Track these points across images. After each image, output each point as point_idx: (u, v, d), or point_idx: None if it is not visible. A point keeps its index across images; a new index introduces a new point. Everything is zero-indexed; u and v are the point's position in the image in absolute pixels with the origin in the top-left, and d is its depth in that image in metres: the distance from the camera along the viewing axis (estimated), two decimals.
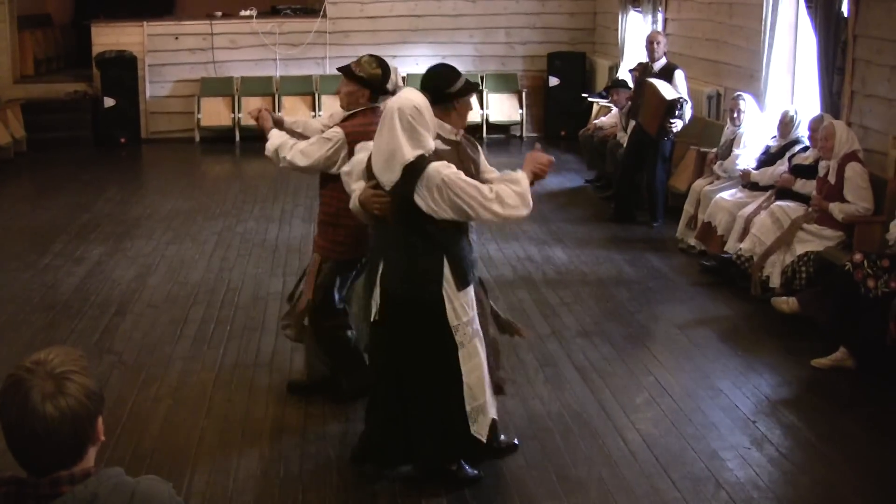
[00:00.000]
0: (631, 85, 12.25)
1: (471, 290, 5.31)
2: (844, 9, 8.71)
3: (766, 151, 9.51)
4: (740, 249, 8.74)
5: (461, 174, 5.03)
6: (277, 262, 9.83)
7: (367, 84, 6.05)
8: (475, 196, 4.99)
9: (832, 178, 8.13)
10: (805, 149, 8.93)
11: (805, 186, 8.59)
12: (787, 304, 7.84)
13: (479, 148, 5.79)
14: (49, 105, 16.14)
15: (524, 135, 16.88)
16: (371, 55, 6.17)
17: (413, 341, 5.23)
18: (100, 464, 2.40)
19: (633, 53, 14.05)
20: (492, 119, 16.71)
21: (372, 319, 5.36)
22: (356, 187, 5.32)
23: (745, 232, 8.88)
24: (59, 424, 2.26)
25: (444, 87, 5.39)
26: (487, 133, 16.71)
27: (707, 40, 12.15)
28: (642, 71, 11.50)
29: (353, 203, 5.31)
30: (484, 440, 5.36)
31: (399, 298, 5.19)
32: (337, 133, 5.95)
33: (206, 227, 11.15)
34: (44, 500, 2.30)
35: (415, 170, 4.98)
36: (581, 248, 10.15)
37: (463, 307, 5.22)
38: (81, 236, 10.75)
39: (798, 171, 8.77)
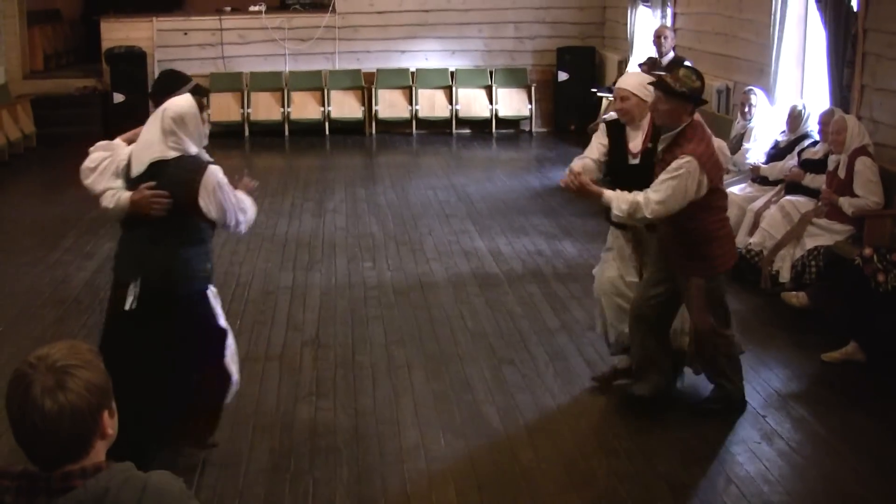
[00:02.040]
0: None
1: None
2: (854, 2, 8.68)
3: (776, 146, 9.49)
4: (750, 244, 8.72)
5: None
6: (287, 256, 9.84)
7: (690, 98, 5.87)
8: (239, 204, 5.48)
9: (842, 173, 8.12)
10: (814, 143, 8.91)
11: (815, 181, 8.57)
12: (797, 298, 7.83)
13: None
14: (58, 100, 16.17)
15: (533, 129, 16.87)
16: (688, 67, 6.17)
17: (181, 333, 5.35)
18: (109, 458, 2.41)
19: (643, 48, 14.03)
20: (501, 114, 16.69)
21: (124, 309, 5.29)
22: (114, 185, 5.36)
23: (754, 226, 8.86)
24: (59, 418, 2.27)
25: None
26: (496, 128, 16.70)
27: (716, 34, 12.13)
28: (650, 66, 11.48)
29: (120, 203, 5.29)
30: None
31: (166, 292, 5.28)
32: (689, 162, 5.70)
33: None
34: (55, 494, 2.30)
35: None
36: (591, 242, 10.14)
37: (216, 296, 5.56)
38: (91, 231, 10.77)
39: (807, 165, 8.75)
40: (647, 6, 14.10)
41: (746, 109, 9.85)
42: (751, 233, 8.87)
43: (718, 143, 6.06)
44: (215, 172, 5.32)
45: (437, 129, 16.75)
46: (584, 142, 14.50)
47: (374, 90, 16.63)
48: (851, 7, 8.71)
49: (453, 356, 7.27)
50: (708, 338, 6.10)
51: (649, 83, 6.07)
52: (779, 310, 7.99)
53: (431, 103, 16.73)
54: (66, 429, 2.28)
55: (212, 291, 5.52)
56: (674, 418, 6.23)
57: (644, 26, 14.26)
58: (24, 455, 2.35)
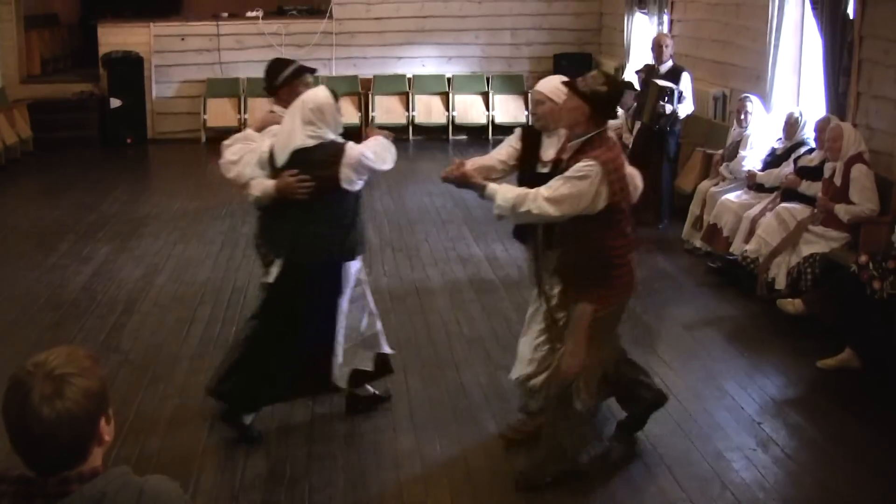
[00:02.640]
0: (637, 86, 12.24)
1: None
2: (850, 9, 8.70)
3: (772, 153, 9.50)
4: (746, 250, 8.74)
5: (366, 146, 5.87)
6: None
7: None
8: (377, 164, 5.89)
9: (838, 180, 8.13)
10: (811, 150, 8.92)
11: (811, 188, 8.59)
12: (792, 305, 7.84)
13: None
14: (56, 105, 16.17)
15: None
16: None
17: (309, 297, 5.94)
18: (107, 463, 2.41)
19: (639, 54, 14.05)
20: (497, 120, 16.68)
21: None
22: (257, 174, 5.91)
23: (750, 233, 8.88)
24: (57, 427, 2.27)
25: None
26: (493, 134, 16.69)
27: (713, 41, 12.15)
28: (648, 73, 11.50)
29: (267, 190, 5.83)
30: None
31: (311, 266, 5.87)
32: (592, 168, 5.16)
33: (213, 227, 11.17)
34: (52, 498, 2.30)
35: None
36: None
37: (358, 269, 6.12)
38: (88, 236, 10.77)
39: (803, 172, 8.77)
40: (643, 13, 14.12)
41: (743, 116, 9.86)
42: (747, 240, 8.89)
43: (631, 172, 5.58)
44: (351, 148, 5.79)
45: (433, 135, 16.76)
46: None
47: (370, 96, 16.63)
48: (848, 14, 8.72)
49: (449, 362, 7.27)
50: (564, 381, 5.40)
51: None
52: (775, 317, 7.99)
53: (428, 109, 16.74)
54: (65, 436, 2.28)
55: (355, 264, 6.08)
56: (669, 425, 6.23)
57: (641, 33, 14.28)
58: (19, 460, 2.35)
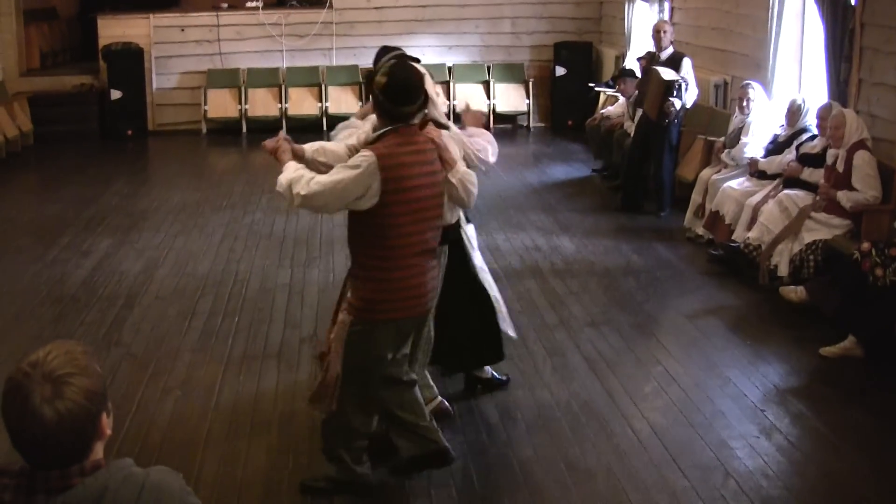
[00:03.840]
0: (638, 74, 12.22)
1: None
2: None
3: (774, 140, 9.49)
4: (748, 238, 8.72)
5: None
6: (285, 253, 9.84)
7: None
8: None
9: (840, 167, 8.12)
10: (813, 137, 8.90)
11: (813, 175, 8.57)
12: (795, 293, 7.83)
13: None
14: (55, 98, 16.14)
15: (531, 125, 16.86)
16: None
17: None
18: (109, 456, 2.40)
19: (640, 43, 14.02)
20: (498, 109, 16.67)
21: None
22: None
23: (752, 221, 8.86)
24: (59, 428, 2.26)
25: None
26: (494, 123, 16.67)
27: (714, 29, 12.12)
28: (649, 60, 11.49)
29: None
30: None
31: None
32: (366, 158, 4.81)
33: (214, 219, 11.15)
34: (54, 492, 2.30)
35: None
36: (588, 238, 10.14)
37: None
38: (89, 229, 10.76)
39: (806, 159, 8.75)
40: (644, 1, 14.09)
41: (745, 104, 9.84)
42: (749, 227, 8.87)
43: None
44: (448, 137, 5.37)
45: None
46: (581, 137, 14.57)
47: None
48: (849, 1, 8.70)
49: None
50: (326, 391, 5.15)
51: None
52: (777, 304, 7.99)
53: None
54: (67, 437, 2.28)
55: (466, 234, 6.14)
56: (672, 414, 6.23)
57: (641, 21, 14.26)
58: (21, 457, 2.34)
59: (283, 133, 5.29)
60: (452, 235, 5.81)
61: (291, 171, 4.94)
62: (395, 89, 4.85)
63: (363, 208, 4.78)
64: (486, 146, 5.87)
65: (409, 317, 5.01)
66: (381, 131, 4.93)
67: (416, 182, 4.83)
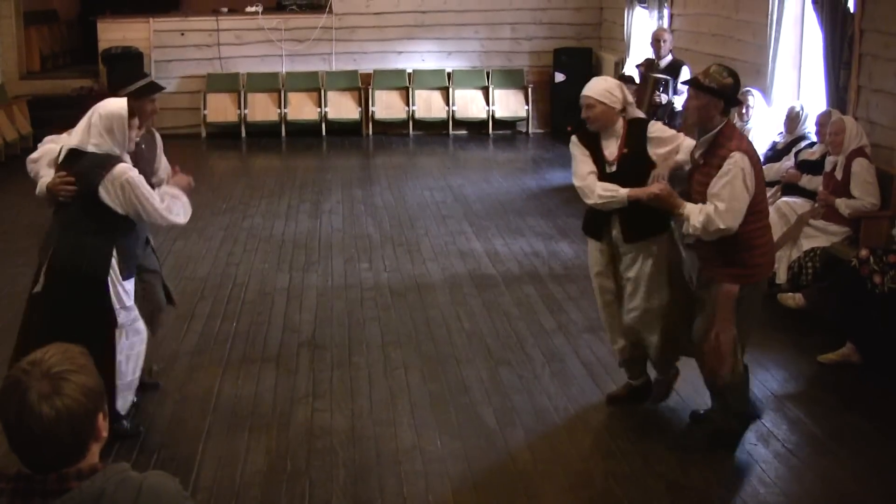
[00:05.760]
0: (637, 80, 12.23)
1: (132, 282, 5.84)
2: (851, 3, 8.69)
3: (773, 147, 9.49)
4: None
5: (142, 179, 5.64)
6: (284, 257, 9.84)
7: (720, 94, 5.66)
8: (150, 202, 5.63)
9: (839, 174, 8.12)
10: (811, 144, 8.91)
11: (811, 182, 8.58)
12: (793, 299, 7.83)
13: (157, 142, 6.53)
14: (55, 101, 16.14)
15: (530, 131, 16.87)
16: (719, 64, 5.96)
17: (73, 315, 5.59)
18: (106, 459, 2.40)
19: (640, 49, 14.03)
20: (497, 115, 16.70)
21: (33, 291, 5.74)
22: (45, 174, 5.74)
23: None
24: (57, 425, 2.26)
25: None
26: (493, 129, 16.70)
27: (713, 35, 12.13)
28: (648, 67, 11.50)
29: (41, 189, 5.68)
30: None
31: (66, 274, 5.60)
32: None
33: (213, 223, 11.16)
34: (51, 495, 2.30)
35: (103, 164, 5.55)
36: (587, 243, 10.12)
37: (126, 293, 5.78)
38: None
39: (804, 166, 8.75)
40: (643, 7, 14.11)
41: (744, 110, 9.84)
42: None
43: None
44: (124, 170, 5.55)
45: (433, 131, 16.76)
46: None
47: (370, 91, 16.63)
48: (848, 8, 8.71)
49: (450, 357, 7.26)
50: (722, 353, 5.66)
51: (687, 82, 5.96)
52: (775, 311, 7.98)
53: (428, 104, 16.73)
54: (64, 434, 2.28)
55: (121, 285, 5.75)
56: (670, 420, 6.23)
57: (641, 27, 14.27)
58: (16, 458, 2.34)
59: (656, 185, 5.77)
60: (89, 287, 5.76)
61: (693, 212, 5.55)
62: (739, 85, 5.74)
63: None
64: (170, 196, 5.93)
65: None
66: (719, 128, 5.62)
67: None
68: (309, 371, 7.02)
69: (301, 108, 16.57)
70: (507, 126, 16.96)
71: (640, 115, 6.14)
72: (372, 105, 16.59)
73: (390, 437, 6.01)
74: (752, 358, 7.12)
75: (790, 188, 8.77)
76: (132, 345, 5.90)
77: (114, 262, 5.68)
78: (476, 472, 5.60)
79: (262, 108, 16.53)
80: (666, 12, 13.32)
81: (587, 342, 7.50)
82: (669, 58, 11.17)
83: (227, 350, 7.41)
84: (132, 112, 5.62)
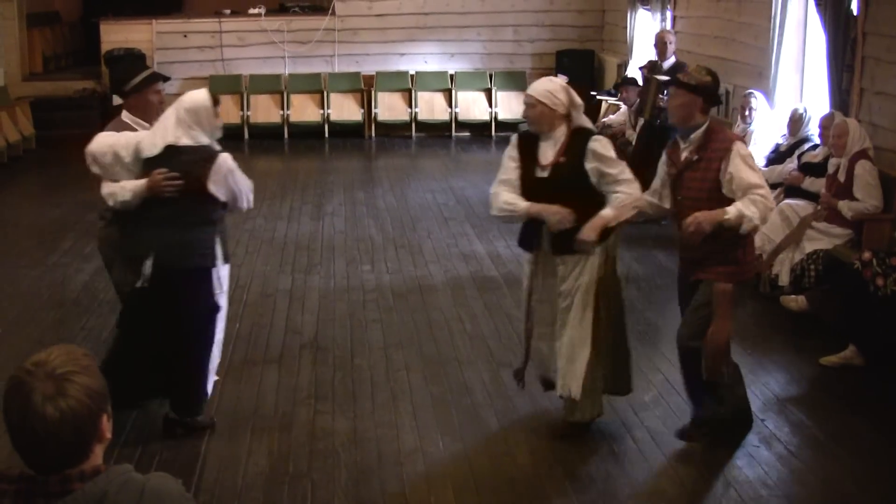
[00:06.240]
0: (640, 82, 12.23)
1: (228, 267, 6.09)
2: (854, 6, 8.69)
3: (776, 149, 9.50)
4: None
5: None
6: (286, 259, 9.84)
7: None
8: (247, 186, 6.01)
9: (842, 176, 8.12)
10: (814, 147, 8.91)
11: (814, 184, 8.57)
12: (795, 302, 7.83)
13: None
14: (58, 102, 16.18)
15: None
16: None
17: (182, 305, 5.83)
18: (109, 461, 2.40)
19: (642, 51, 14.04)
20: (500, 117, 16.69)
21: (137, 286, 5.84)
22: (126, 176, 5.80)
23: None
24: (61, 425, 2.26)
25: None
26: (496, 131, 16.69)
27: (715, 38, 12.14)
28: (651, 69, 11.50)
29: (136, 189, 5.72)
30: None
31: (175, 268, 5.77)
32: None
33: None
34: (54, 497, 2.30)
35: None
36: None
37: (224, 278, 6.05)
38: (90, 234, 10.68)
39: (807, 168, 8.75)
40: (646, 9, 14.11)
41: (747, 113, 9.85)
42: None
43: None
44: (225, 159, 5.81)
45: (436, 132, 16.76)
46: None
47: (373, 93, 16.63)
48: (851, 11, 8.71)
49: (452, 359, 7.26)
50: (724, 350, 5.74)
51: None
52: (778, 314, 7.99)
53: (431, 106, 16.74)
54: (68, 435, 2.28)
55: (220, 271, 5.97)
56: (672, 422, 6.22)
57: (643, 29, 14.27)
58: (20, 459, 2.34)
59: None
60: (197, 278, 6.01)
61: (743, 208, 5.44)
62: (718, 84, 5.89)
63: None
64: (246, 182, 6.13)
65: None
66: (706, 126, 5.74)
67: None
68: (311, 373, 7.02)
69: (303, 110, 16.58)
70: (509, 128, 16.92)
71: (587, 124, 5.91)
72: (374, 107, 16.59)
73: (392, 438, 6.01)
74: (754, 360, 7.15)
75: (793, 190, 8.77)
76: (221, 329, 6.17)
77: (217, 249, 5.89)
78: (477, 474, 5.60)
79: (264, 110, 16.54)
80: (669, 14, 13.32)
81: None
82: (673, 59, 11.17)
83: (230, 352, 7.40)
84: (216, 100, 5.84)
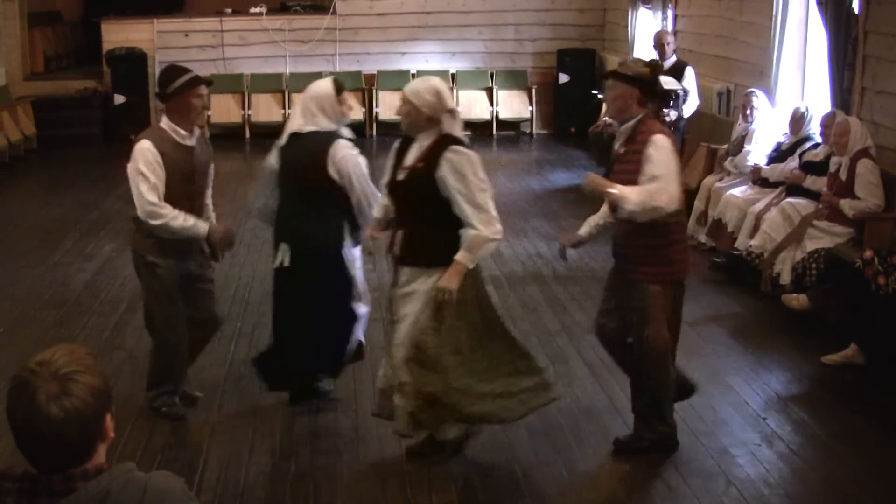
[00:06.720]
0: None
1: (357, 249, 6.26)
2: (855, 5, 8.69)
3: (778, 148, 9.50)
4: (751, 246, 8.72)
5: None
6: None
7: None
8: (365, 173, 6.07)
9: (843, 175, 8.12)
10: (816, 145, 8.91)
11: (815, 183, 8.57)
12: (797, 300, 7.82)
13: (210, 150, 6.47)
14: (59, 102, 16.16)
15: (534, 132, 16.87)
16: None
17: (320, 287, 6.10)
18: (111, 460, 2.41)
19: (643, 50, 14.02)
20: (501, 116, 16.69)
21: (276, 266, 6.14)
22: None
23: (755, 228, 8.87)
24: (65, 425, 2.26)
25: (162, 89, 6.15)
26: (497, 130, 16.69)
27: (717, 36, 12.13)
28: (652, 68, 11.47)
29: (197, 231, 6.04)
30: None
31: (309, 253, 6.06)
32: None
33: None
34: (57, 495, 2.30)
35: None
36: (591, 244, 10.07)
37: (356, 259, 6.27)
38: (91, 233, 10.77)
39: (809, 167, 8.75)
40: (647, 8, 14.10)
41: (748, 111, 9.84)
42: (751, 235, 8.87)
43: None
44: (344, 145, 5.99)
45: None
46: (584, 144, 14.57)
47: (374, 92, 16.63)
48: (852, 9, 8.71)
49: None
50: (660, 358, 5.59)
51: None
52: (779, 312, 7.98)
53: None
54: (73, 435, 2.28)
55: (350, 253, 6.19)
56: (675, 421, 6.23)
57: (645, 28, 14.26)
58: (23, 457, 2.34)
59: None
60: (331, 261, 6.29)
61: (630, 192, 5.37)
62: (657, 78, 6.08)
63: None
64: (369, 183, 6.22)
65: None
66: (639, 118, 5.66)
67: None
68: None
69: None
70: (510, 127, 16.95)
71: (458, 133, 5.48)
72: (376, 106, 16.58)
73: (394, 437, 6.00)
74: (755, 359, 7.16)
75: (794, 189, 8.77)
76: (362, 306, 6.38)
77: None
78: (480, 473, 5.60)
79: (265, 109, 16.54)
80: (670, 13, 13.31)
81: (591, 343, 7.47)
82: (673, 59, 11.17)
83: (231, 351, 7.41)
84: (340, 88, 6.07)
